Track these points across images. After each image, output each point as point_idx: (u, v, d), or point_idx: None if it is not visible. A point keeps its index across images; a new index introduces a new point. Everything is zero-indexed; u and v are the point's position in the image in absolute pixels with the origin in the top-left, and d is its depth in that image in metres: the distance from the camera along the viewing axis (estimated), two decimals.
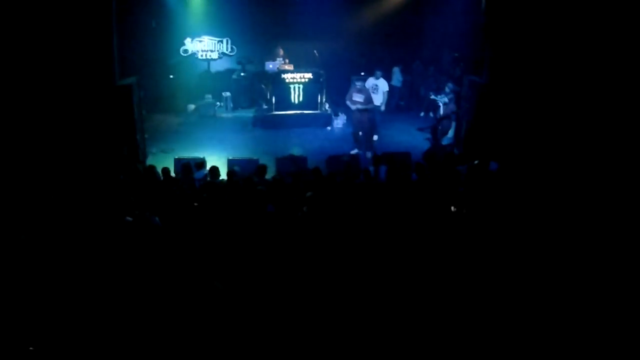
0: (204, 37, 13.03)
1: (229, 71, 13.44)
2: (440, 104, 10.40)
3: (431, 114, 12.05)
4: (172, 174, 7.32)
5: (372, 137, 9.99)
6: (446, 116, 10.19)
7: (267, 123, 11.69)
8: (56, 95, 7.84)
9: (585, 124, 7.95)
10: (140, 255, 4.77)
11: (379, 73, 10.64)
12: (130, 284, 4.41)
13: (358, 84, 9.91)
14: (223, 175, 7.10)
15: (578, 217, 5.52)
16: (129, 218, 5.30)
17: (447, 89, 10.39)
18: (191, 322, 4.10)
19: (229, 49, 13.24)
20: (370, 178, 6.78)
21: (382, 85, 10.58)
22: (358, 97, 9.73)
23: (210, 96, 12.90)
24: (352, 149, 9.95)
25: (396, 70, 13.09)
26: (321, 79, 11.92)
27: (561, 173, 6.80)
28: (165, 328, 4.05)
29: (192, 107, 12.83)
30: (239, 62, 13.20)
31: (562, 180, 6.60)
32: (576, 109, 8.12)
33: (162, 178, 6.96)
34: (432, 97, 11.18)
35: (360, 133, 9.92)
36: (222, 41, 13.19)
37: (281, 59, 12.14)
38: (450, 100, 10.18)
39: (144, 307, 4.21)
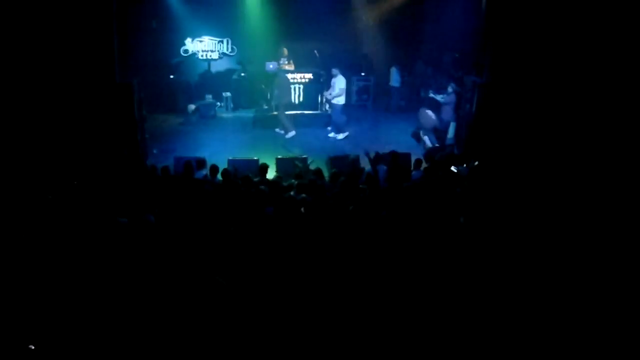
0: (204, 37, 13.05)
1: (230, 71, 13.46)
2: (441, 101, 10.44)
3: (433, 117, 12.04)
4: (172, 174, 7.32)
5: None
6: (448, 122, 10.22)
7: (267, 123, 11.70)
8: (57, 95, 7.85)
9: (586, 124, 7.95)
10: (137, 255, 4.77)
11: (335, 71, 11.08)
12: (128, 284, 4.42)
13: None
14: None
15: (579, 217, 5.51)
16: (123, 219, 5.30)
17: (449, 89, 10.38)
18: (189, 322, 4.10)
19: (230, 49, 13.26)
20: (372, 179, 6.76)
21: (338, 82, 10.96)
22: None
23: (210, 96, 12.91)
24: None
25: (394, 71, 13.08)
26: (321, 80, 11.94)
27: (562, 173, 6.80)
28: (162, 328, 4.05)
29: (192, 107, 12.84)
30: (239, 62, 13.22)
31: (562, 180, 6.60)
32: (577, 109, 8.12)
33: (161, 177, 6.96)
34: (431, 94, 11.17)
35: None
36: (222, 41, 13.21)
37: (285, 59, 12.18)
38: (450, 102, 10.16)
39: (142, 307, 4.21)
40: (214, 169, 7.11)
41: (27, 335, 3.87)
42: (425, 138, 10.76)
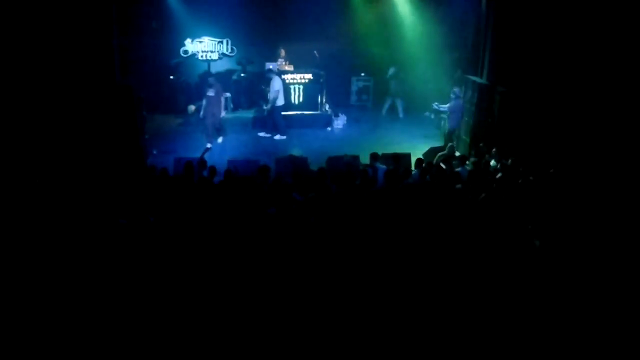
0: (204, 37, 13.00)
1: (229, 72, 13.45)
2: (447, 111, 10.43)
3: (432, 116, 12.06)
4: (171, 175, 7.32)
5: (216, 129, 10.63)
6: (453, 130, 10.18)
7: (267, 124, 11.68)
8: (57, 97, 7.84)
9: (585, 123, 7.96)
10: (136, 256, 4.77)
11: (271, 73, 11.13)
12: (127, 285, 4.42)
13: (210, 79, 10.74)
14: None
15: (578, 216, 5.52)
16: (123, 220, 5.30)
17: (452, 95, 10.33)
18: (189, 324, 4.10)
19: (229, 50, 13.21)
20: (368, 180, 6.76)
21: (273, 84, 10.89)
22: (210, 92, 10.44)
23: None
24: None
25: (393, 71, 13.06)
26: (321, 80, 11.93)
27: (562, 172, 6.80)
28: (162, 329, 4.06)
29: (192, 107, 12.79)
30: (239, 63, 13.19)
31: (562, 180, 6.61)
32: (577, 109, 8.12)
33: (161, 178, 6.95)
34: (435, 106, 11.16)
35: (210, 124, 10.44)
36: (222, 42, 13.16)
37: (282, 59, 12.17)
38: (455, 109, 10.12)
39: (141, 308, 4.22)
40: (213, 170, 7.10)
41: (27, 334, 3.88)
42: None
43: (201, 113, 10.57)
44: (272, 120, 11.14)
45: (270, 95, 10.89)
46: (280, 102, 10.98)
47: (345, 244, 5.05)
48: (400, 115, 12.76)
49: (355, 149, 9.65)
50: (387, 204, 5.90)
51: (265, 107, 11.41)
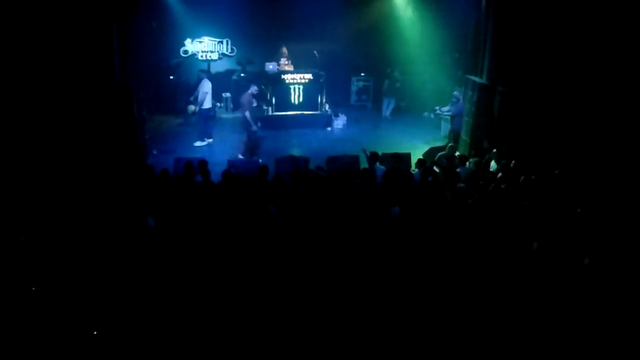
0: (204, 37, 13.04)
1: (229, 72, 13.46)
2: (449, 115, 10.42)
3: (432, 116, 12.05)
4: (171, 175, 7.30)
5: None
6: (456, 131, 10.15)
7: (267, 124, 11.69)
8: (57, 97, 7.83)
9: (585, 123, 7.95)
10: (134, 256, 4.76)
11: (201, 74, 10.83)
12: (126, 285, 4.42)
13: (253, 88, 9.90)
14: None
15: (579, 216, 5.52)
16: (122, 219, 5.30)
17: (453, 99, 10.32)
18: (189, 323, 4.11)
19: (229, 50, 13.24)
20: (370, 178, 6.77)
21: (202, 86, 10.53)
22: (255, 102, 9.78)
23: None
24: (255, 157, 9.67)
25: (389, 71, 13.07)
26: (321, 80, 11.94)
27: (562, 173, 6.80)
28: (162, 328, 4.06)
29: (192, 108, 12.82)
30: (239, 63, 13.21)
31: (562, 179, 6.61)
32: (576, 108, 8.12)
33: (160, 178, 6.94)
34: (438, 111, 11.16)
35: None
36: (222, 42, 13.19)
37: (285, 58, 12.17)
38: (458, 112, 10.10)
39: (140, 309, 4.22)
40: (203, 164, 7.04)
41: (26, 334, 3.88)
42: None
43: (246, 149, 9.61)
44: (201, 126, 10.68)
45: (199, 97, 10.48)
46: (207, 105, 10.58)
47: (342, 241, 5.05)
48: (387, 113, 12.92)
49: (355, 149, 9.66)
50: (386, 203, 5.90)
51: (193, 109, 10.88)
